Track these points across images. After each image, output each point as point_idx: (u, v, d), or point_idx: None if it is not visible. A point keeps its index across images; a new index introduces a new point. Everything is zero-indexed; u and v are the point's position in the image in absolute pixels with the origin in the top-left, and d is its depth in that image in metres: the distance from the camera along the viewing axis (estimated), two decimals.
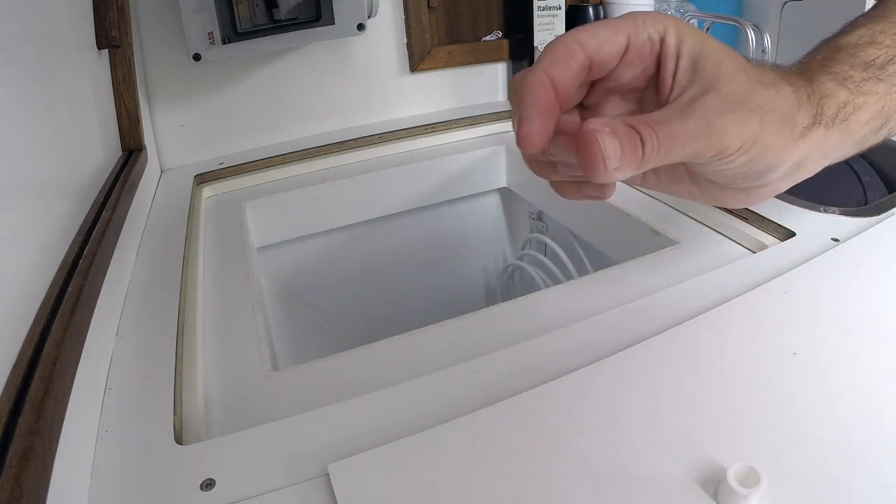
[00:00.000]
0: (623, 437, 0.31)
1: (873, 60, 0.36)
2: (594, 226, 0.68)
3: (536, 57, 0.88)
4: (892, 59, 0.37)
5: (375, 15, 0.80)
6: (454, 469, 0.30)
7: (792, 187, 0.38)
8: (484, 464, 0.30)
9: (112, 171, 0.59)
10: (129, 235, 0.54)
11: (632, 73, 0.33)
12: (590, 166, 0.28)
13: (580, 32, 0.31)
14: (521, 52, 0.91)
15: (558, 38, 0.31)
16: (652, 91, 0.34)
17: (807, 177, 0.36)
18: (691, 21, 0.94)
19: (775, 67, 0.35)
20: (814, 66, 0.36)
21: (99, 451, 0.33)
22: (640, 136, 0.28)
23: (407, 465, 0.30)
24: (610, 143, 0.28)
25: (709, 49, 0.31)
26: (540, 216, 0.93)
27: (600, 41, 0.31)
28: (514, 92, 0.32)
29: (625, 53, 0.31)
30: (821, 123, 0.33)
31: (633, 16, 0.32)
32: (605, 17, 0.91)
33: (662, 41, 0.31)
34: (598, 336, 0.40)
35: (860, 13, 0.73)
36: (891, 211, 0.53)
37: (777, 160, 0.32)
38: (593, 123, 0.28)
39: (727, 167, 0.31)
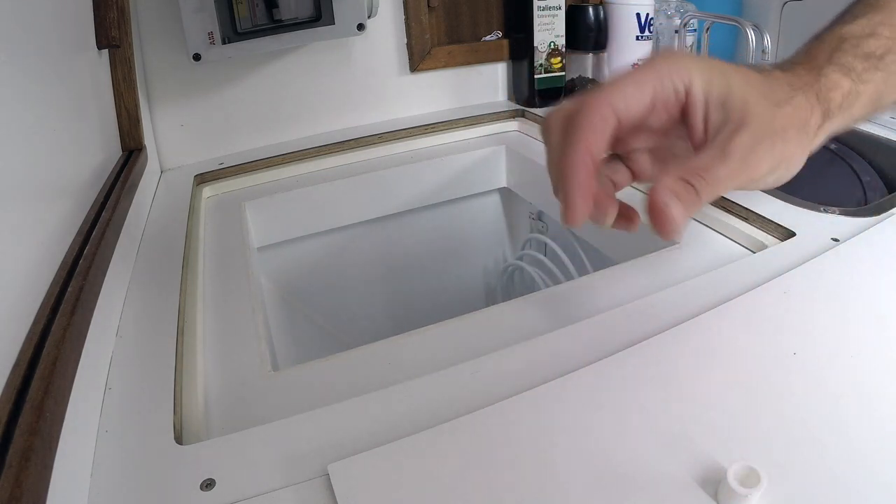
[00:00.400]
0: (623, 436, 0.31)
1: (874, 51, 0.39)
2: (594, 226, 0.68)
3: (536, 57, 0.89)
4: (890, 50, 0.40)
5: (375, 15, 0.80)
6: (454, 469, 0.30)
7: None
8: (484, 464, 0.30)
9: (112, 171, 0.59)
10: (129, 235, 0.54)
11: (658, 121, 0.35)
12: (664, 231, 0.33)
13: (611, 95, 0.33)
14: (521, 52, 0.91)
15: (592, 101, 0.33)
16: (677, 128, 0.36)
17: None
18: (691, 21, 0.94)
19: (784, 71, 0.37)
20: (821, 57, 0.38)
21: (99, 451, 0.33)
22: (695, 188, 0.32)
23: (407, 465, 0.30)
24: (675, 207, 0.32)
25: (734, 87, 0.34)
26: (540, 216, 0.93)
27: (628, 101, 0.33)
28: (557, 167, 0.34)
29: (652, 106, 0.34)
30: (829, 117, 0.37)
31: (656, 68, 0.34)
32: (605, 17, 0.91)
33: (688, 92, 0.34)
34: (598, 336, 0.40)
35: None
36: (891, 211, 0.53)
37: (797, 165, 0.36)
38: (659, 194, 0.32)
39: (758, 186, 0.36)
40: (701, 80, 0.34)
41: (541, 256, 0.85)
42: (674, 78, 0.33)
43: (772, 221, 0.52)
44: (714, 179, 0.32)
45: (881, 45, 0.39)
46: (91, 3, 0.62)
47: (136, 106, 0.67)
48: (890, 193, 0.72)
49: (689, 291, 0.44)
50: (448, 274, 0.98)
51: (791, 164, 0.35)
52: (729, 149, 0.32)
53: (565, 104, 0.36)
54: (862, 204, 0.72)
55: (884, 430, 0.31)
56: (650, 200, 0.33)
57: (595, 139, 0.33)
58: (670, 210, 0.32)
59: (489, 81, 0.96)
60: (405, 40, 0.87)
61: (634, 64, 0.95)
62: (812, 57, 0.38)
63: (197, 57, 0.69)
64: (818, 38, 0.41)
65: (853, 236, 0.49)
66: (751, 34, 0.84)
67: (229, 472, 0.31)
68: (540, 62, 0.89)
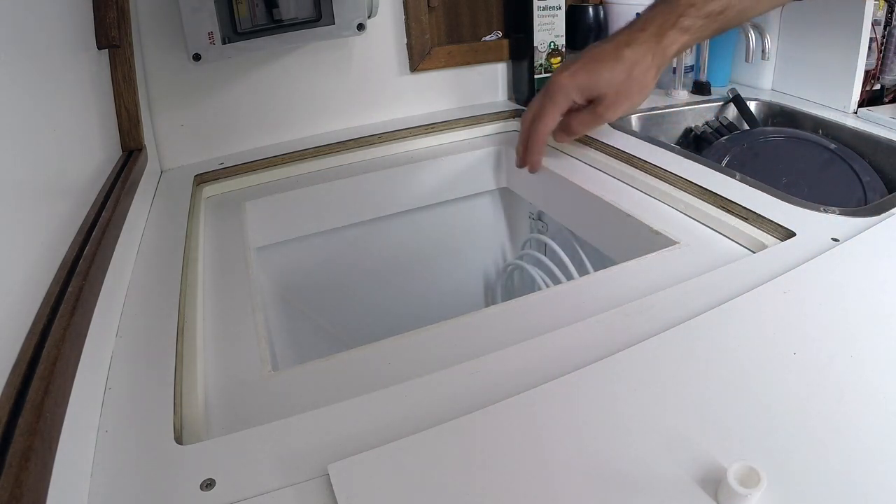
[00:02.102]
0: (623, 437, 0.31)
1: (713, 10, 0.57)
2: (594, 226, 0.68)
3: (536, 57, 0.89)
4: (728, 6, 0.57)
5: (375, 15, 0.80)
6: (454, 469, 0.30)
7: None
8: (484, 464, 0.30)
9: (112, 171, 0.59)
10: (129, 235, 0.54)
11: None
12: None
13: (557, 107, 0.65)
14: (521, 52, 0.91)
15: (556, 94, 0.63)
16: None
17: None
18: None
19: (630, 45, 0.59)
20: (668, 23, 0.58)
21: (99, 451, 0.33)
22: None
23: (407, 465, 0.30)
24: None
25: (601, 84, 0.62)
26: (540, 216, 0.93)
27: (562, 108, 0.65)
28: (528, 132, 0.69)
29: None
30: (663, 63, 0.60)
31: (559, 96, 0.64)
32: (605, 17, 0.91)
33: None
34: (598, 336, 0.40)
35: (860, 15, 0.77)
36: (891, 211, 0.53)
37: (639, 96, 0.62)
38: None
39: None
40: (579, 96, 0.63)
41: (541, 256, 0.85)
42: (565, 107, 0.64)
43: (772, 221, 0.52)
44: (580, 128, 0.66)
45: (722, 4, 0.57)
46: (91, 3, 0.62)
47: (136, 106, 0.67)
48: (890, 193, 0.72)
49: (689, 291, 0.44)
50: (448, 274, 0.98)
51: (635, 104, 0.62)
52: (596, 114, 0.63)
53: (533, 103, 0.67)
54: (862, 204, 0.72)
55: (884, 429, 0.31)
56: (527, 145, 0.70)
57: (547, 128, 0.66)
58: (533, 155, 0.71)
59: (489, 81, 0.96)
60: (405, 40, 0.87)
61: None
62: (662, 21, 0.58)
63: (197, 57, 0.69)
64: (669, 2, 0.58)
65: (853, 236, 0.49)
66: (751, 34, 0.84)
67: (229, 472, 0.31)
68: (540, 62, 0.89)
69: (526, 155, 0.70)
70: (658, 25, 0.58)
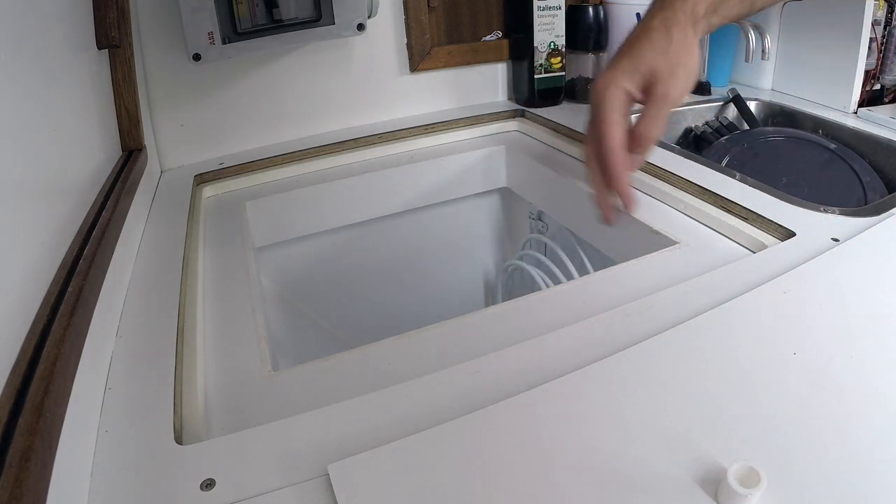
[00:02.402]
0: (623, 437, 0.31)
1: None
2: (594, 226, 0.68)
3: (536, 57, 0.89)
4: None
5: (375, 15, 0.80)
6: (454, 469, 0.30)
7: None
8: (484, 464, 0.30)
9: (112, 171, 0.59)
10: (129, 235, 0.54)
11: None
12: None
13: (617, 84, 0.54)
14: (521, 52, 0.91)
15: (604, 94, 0.54)
16: None
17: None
18: None
19: (661, 14, 0.54)
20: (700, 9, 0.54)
21: (99, 451, 0.33)
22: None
23: (407, 465, 0.30)
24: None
25: (643, 70, 0.54)
26: (540, 216, 0.93)
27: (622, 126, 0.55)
28: (598, 157, 0.56)
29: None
30: (698, 25, 0.54)
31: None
32: (605, 17, 0.91)
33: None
34: (598, 336, 0.40)
35: (860, 15, 0.77)
36: (891, 211, 0.53)
37: (694, 66, 0.54)
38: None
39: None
40: (634, 89, 0.54)
41: (541, 256, 0.85)
42: (626, 112, 0.55)
43: (772, 221, 0.52)
44: (657, 118, 0.54)
45: None
46: (91, 3, 0.62)
47: (136, 106, 0.67)
48: (890, 193, 0.72)
49: (689, 291, 0.44)
50: (448, 274, 0.98)
51: (692, 70, 0.53)
52: (658, 95, 0.53)
53: (588, 127, 0.57)
54: (862, 204, 0.72)
55: (884, 429, 0.31)
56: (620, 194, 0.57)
57: (617, 139, 0.54)
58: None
59: (489, 81, 0.96)
60: (405, 40, 0.87)
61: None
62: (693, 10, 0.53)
63: (197, 57, 0.69)
64: None
65: (853, 236, 0.49)
66: (751, 34, 0.84)
67: (229, 472, 0.31)
68: (540, 62, 0.89)
69: (610, 186, 0.56)
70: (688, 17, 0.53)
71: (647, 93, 0.53)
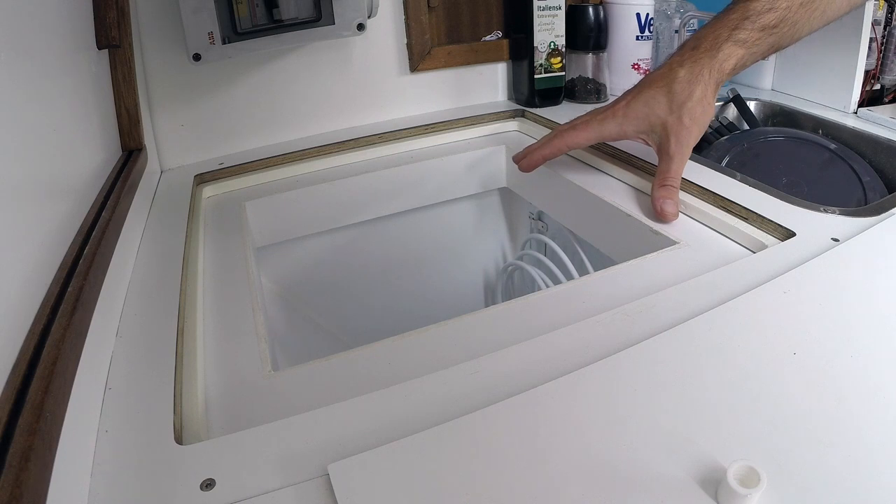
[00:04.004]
0: (623, 437, 0.31)
1: (769, 23, 0.54)
2: (594, 226, 0.68)
3: (536, 57, 0.89)
4: (783, 20, 0.55)
5: (375, 15, 0.80)
6: (454, 469, 0.30)
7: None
8: (484, 464, 0.30)
9: (112, 171, 0.59)
10: (129, 235, 0.54)
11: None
12: (668, 220, 0.57)
13: (566, 138, 0.63)
14: (521, 52, 0.91)
15: (557, 138, 0.64)
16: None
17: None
18: (691, 21, 0.94)
19: (684, 65, 0.56)
20: (723, 36, 0.55)
21: (99, 451, 0.33)
22: (670, 185, 0.58)
23: (407, 465, 0.30)
24: (668, 205, 0.57)
25: (652, 118, 0.58)
26: (540, 216, 0.93)
27: (576, 140, 0.64)
28: (555, 135, 0.64)
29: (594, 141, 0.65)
30: (721, 80, 0.56)
31: (600, 130, 0.62)
32: (605, 17, 0.91)
33: (627, 136, 0.62)
34: (598, 336, 0.40)
35: (860, 15, 0.77)
36: (891, 211, 0.53)
37: (709, 117, 0.57)
38: (656, 201, 0.58)
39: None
40: (632, 130, 0.59)
41: (541, 256, 0.85)
42: (611, 133, 0.61)
43: (772, 221, 0.52)
44: (675, 174, 0.57)
45: (777, 16, 0.54)
46: (91, 3, 0.62)
47: (136, 106, 0.67)
48: (890, 193, 0.72)
49: (689, 291, 0.44)
50: (448, 274, 0.98)
51: (704, 124, 0.57)
52: (671, 154, 0.57)
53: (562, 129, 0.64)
54: (862, 204, 0.72)
55: (884, 429, 0.31)
56: (654, 206, 0.57)
57: (552, 152, 0.64)
58: (666, 207, 0.56)
59: (489, 81, 0.96)
60: (405, 40, 0.87)
61: (634, 65, 0.95)
62: (715, 37, 0.55)
63: (197, 57, 0.69)
64: (727, 12, 0.56)
65: (853, 236, 0.49)
66: None
67: (229, 472, 0.31)
68: (540, 62, 0.89)
69: (536, 151, 0.65)
70: (712, 41, 0.55)
71: (659, 146, 0.58)
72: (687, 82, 0.55)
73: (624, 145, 0.72)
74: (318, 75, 0.83)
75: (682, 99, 0.55)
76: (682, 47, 0.58)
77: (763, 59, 0.57)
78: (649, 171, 0.66)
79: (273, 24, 0.71)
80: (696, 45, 0.56)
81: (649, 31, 0.95)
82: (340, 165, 0.80)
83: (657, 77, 0.57)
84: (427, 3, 0.86)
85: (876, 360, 0.36)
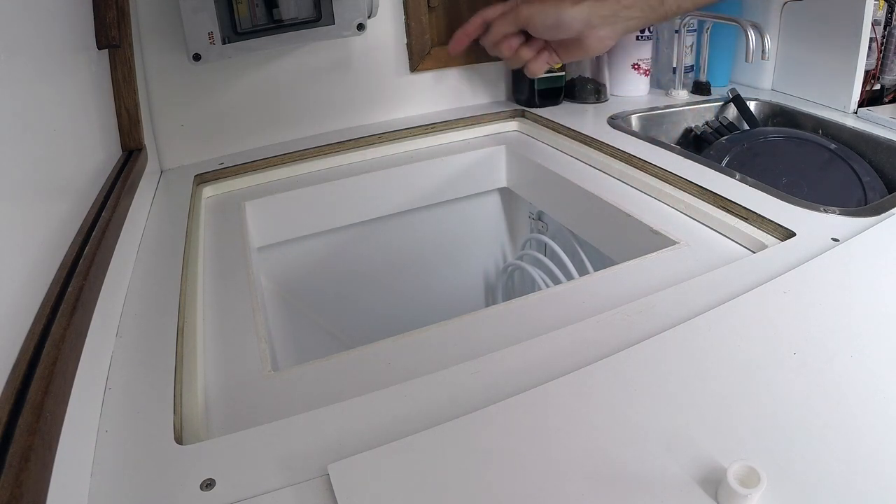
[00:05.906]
0: (623, 436, 0.31)
1: None
2: (594, 226, 0.68)
3: None
4: None
5: (375, 15, 0.80)
6: (454, 469, 0.30)
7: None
8: (484, 464, 0.30)
9: (112, 171, 0.59)
10: (129, 235, 0.54)
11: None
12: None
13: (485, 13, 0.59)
14: None
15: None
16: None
17: (608, 35, 0.56)
18: (691, 21, 0.94)
19: None
20: None
21: (99, 451, 0.33)
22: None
23: (407, 465, 0.30)
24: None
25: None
26: (540, 216, 0.93)
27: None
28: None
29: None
30: None
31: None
32: None
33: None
34: (597, 336, 0.40)
35: (860, 15, 0.76)
36: (891, 211, 0.53)
37: (560, 19, 0.55)
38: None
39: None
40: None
41: (541, 256, 0.85)
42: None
43: (772, 221, 0.52)
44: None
45: None
46: (91, 3, 0.62)
47: (136, 106, 0.67)
48: (890, 193, 0.72)
49: (689, 291, 0.44)
50: (448, 274, 0.98)
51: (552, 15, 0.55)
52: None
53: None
54: (862, 204, 0.72)
55: (884, 429, 0.31)
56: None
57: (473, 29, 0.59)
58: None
59: (489, 81, 0.96)
60: (405, 40, 0.87)
61: (634, 65, 0.95)
62: None
63: (197, 57, 0.69)
64: None
65: (853, 236, 0.49)
66: (751, 34, 0.84)
67: (229, 472, 0.31)
68: None
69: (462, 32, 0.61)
70: None
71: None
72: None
73: (624, 145, 0.72)
74: (317, 75, 0.83)
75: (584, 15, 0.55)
76: None
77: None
78: (650, 171, 0.66)
79: (273, 24, 0.71)
80: None
81: (649, 31, 0.95)
82: (340, 165, 0.80)
83: None
84: (427, 3, 0.86)
85: (876, 360, 0.36)
